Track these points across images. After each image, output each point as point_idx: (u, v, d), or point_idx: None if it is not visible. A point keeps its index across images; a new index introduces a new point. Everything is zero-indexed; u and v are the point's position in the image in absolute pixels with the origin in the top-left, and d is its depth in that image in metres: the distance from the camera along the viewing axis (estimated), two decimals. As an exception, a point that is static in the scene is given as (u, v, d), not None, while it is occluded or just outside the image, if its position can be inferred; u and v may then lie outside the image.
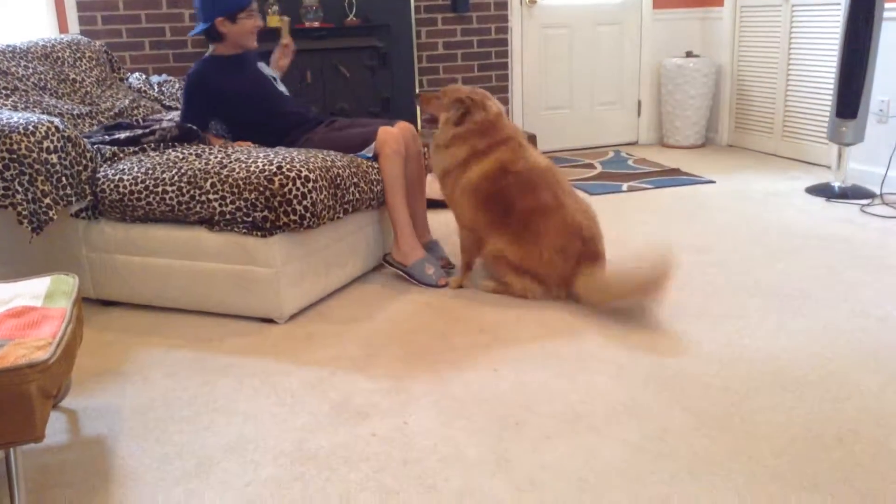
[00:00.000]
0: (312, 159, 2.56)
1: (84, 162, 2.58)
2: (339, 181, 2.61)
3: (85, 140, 2.65)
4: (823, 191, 3.96)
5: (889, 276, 2.77)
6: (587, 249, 2.61)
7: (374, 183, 2.82)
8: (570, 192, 2.70)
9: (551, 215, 2.60)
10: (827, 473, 1.65)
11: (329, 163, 2.61)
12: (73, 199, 2.55)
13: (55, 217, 2.46)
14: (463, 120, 2.72)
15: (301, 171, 2.46)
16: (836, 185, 3.94)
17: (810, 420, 1.85)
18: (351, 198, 2.68)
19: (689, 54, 5.36)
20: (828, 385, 2.01)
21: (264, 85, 3.02)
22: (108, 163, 2.69)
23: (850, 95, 3.76)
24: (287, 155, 2.55)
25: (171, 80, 3.68)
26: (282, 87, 3.10)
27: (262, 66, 3.09)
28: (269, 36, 3.42)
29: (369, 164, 2.83)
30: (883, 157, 4.06)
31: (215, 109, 2.97)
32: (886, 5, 3.80)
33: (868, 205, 3.70)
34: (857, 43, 3.69)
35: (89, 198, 2.63)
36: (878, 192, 3.88)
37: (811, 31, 4.56)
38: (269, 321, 2.58)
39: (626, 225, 3.55)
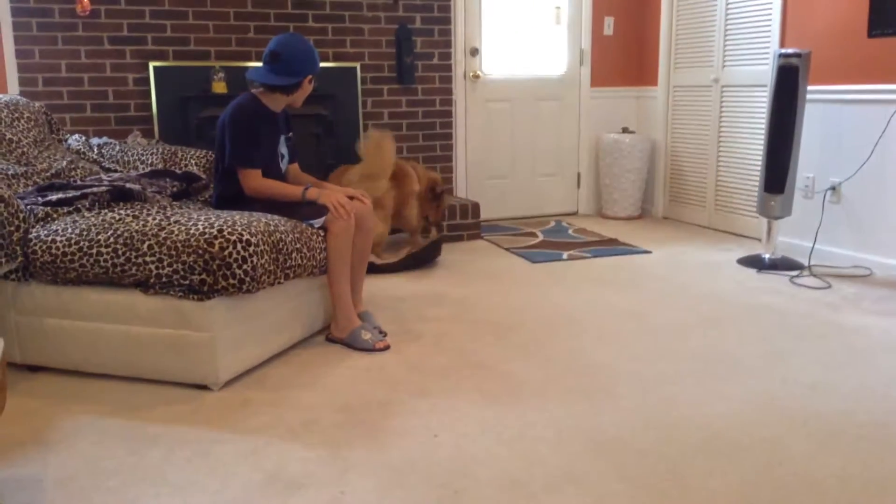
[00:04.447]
0: (255, 223, 2.54)
1: (16, 222, 2.52)
2: (281, 246, 2.60)
3: (18, 200, 2.59)
4: (754, 262, 4.10)
5: (817, 344, 2.86)
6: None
7: (318, 250, 2.82)
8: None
9: None
10: (761, 540, 1.66)
11: (272, 227, 2.60)
12: (3, 260, 2.47)
13: (-18, 278, 2.38)
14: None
15: (242, 235, 2.45)
16: (766, 256, 4.09)
17: (744, 486, 1.87)
18: (293, 263, 2.66)
19: (625, 130, 5.57)
20: (760, 451, 2.05)
21: (273, 150, 3.03)
22: (41, 223, 2.63)
23: (778, 171, 3.94)
24: (229, 218, 2.53)
25: (111, 143, 3.64)
26: (283, 165, 3.11)
27: (281, 139, 3.09)
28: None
29: (314, 231, 2.83)
30: (810, 230, 4.24)
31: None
32: (810, 87, 4.03)
33: (797, 276, 3.84)
34: (783, 122, 3.89)
35: (20, 259, 2.55)
36: (806, 263, 4.03)
37: (740, 111, 4.80)
38: (204, 388, 2.51)
39: (567, 292, 3.60)
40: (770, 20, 4.48)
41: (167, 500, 1.84)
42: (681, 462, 1.99)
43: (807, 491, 1.85)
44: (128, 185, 2.86)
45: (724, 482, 1.89)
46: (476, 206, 4.89)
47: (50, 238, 2.54)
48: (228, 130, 2.90)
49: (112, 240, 2.48)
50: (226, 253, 2.40)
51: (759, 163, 4.25)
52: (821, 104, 4.15)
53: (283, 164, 3.11)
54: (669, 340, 2.93)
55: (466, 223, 4.86)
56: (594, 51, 5.58)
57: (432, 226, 4.39)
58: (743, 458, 2.01)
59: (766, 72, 4.49)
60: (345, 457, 2.05)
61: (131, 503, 1.83)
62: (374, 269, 3.95)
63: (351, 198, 3.02)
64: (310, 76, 2.96)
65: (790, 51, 3.84)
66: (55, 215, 2.68)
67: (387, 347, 2.86)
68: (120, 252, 2.46)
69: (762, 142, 4.32)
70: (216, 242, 2.41)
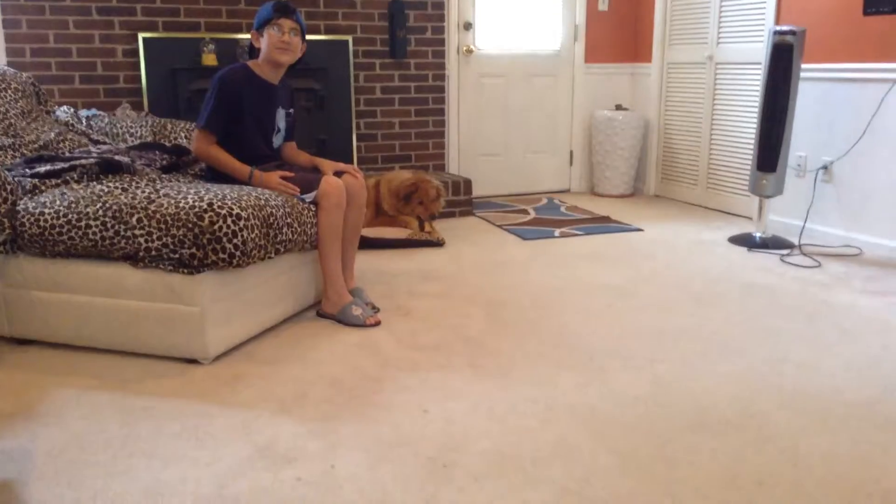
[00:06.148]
0: (245, 197, 2.53)
1: (3, 194, 2.49)
2: (272, 220, 2.58)
3: (6, 172, 2.57)
4: (745, 241, 4.11)
5: (806, 323, 2.87)
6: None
7: (309, 225, 2.80)
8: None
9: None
10: (747, 515, 1.68)
11: (263, 202, 2.58)
12: (-10, 232, 2.45)
13: (-31, 250, 2.36)
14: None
15: (232, 209, 2.43)
16: (758, 235, 4.10)
17: (732, 462, 1.89)
18: (284, 238, 2.65)
19: (618, 107, 5.55)
20: (748, 427, 2.06)
21: (265, 121, 2.98)
22: (29, 196, 2.61)
23: (770, 150, 3.94)
24: (219, 192, 2.51)
25: (100, 115, 3.61)
26: (276, 140, 3.06)
27: (280, 112, 3.04)
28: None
29: (305, 206, 2.81)
30: (801, 209, 4.25)
31: (229, 113, 2.88)
32: (804, 65, 4.01)
33: (787, 255, 3.85)
34: (777, 101, 3.88)
35: (7, 231, 2.53)
36: (796, 242, 4.04)
37: (734, 89, 4.78)
38: (194, 362, 2.51)
39: (558, 269, 3.60)
40: (765, -3, 4.45)
41: (157, 474, 1.85)
42: (669, 438, 2.01)
43: (793, 468, 1.86)
44: (117, 158, 2.83)
45: (711, 458, 1.90)
46: (468, 183, 4.87)
47: (38, 210, 2.52)
48: (208, 91, 2.88)
49: (101, 213, 2.46)
50: (216, 227, 2.38)
51: (752, 141, 4.25)
52: (814, 82, 4.14)
53: (278, 139, 3.07)
54: (660, 318, 2.93)
55: (458, 199, 4.84)
56: (589, 26, 5.54)
57: (424, 221, 4.27)
58: (730, 435, 2.02)
59: (760, 49, 4.47)
60: (335, 431, 2.05)
61: (121, 476, 1.84)
62: (366, 245, 3.94)
63: (342, 172, 3.00)
64: (255, 32, 2.90)
65: (785, 28, 3.82)
66: (43, 187, 2.65)
67: (377, 323, 2.86)
68: (109, 225, 2.44)
69: (755, 120, 4.31)
70: (206, 216, 2.39)
